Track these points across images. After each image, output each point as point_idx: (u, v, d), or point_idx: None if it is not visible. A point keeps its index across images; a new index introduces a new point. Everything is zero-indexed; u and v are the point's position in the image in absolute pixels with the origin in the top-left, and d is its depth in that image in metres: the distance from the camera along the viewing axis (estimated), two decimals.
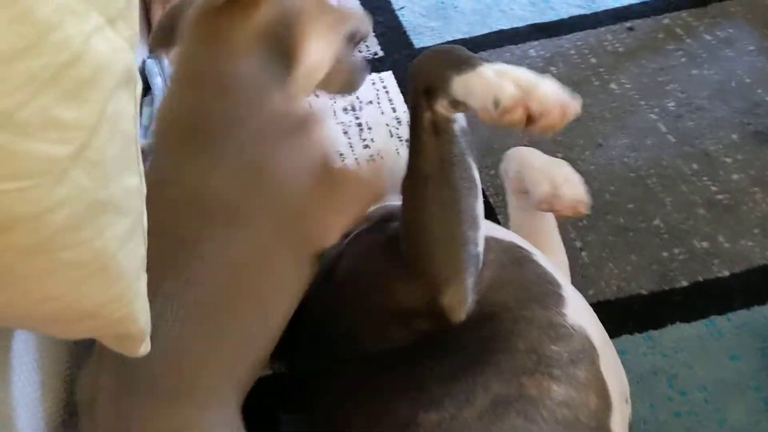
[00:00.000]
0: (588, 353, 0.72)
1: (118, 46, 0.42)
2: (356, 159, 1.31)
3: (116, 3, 0.41)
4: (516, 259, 0.82)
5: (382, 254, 0.78)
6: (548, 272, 0.82)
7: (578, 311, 0.78)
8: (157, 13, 1.46)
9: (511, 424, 0.64)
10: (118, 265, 0.46)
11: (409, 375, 0.71)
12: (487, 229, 0.77)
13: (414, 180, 0.73)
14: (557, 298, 0.78)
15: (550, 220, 1.02)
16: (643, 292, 1.05)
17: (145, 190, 0.51)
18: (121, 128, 0.44)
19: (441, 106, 0.69)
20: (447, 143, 0.71)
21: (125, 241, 0.46)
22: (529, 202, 0.89)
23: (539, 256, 0.83)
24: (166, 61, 1.32)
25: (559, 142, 1.30)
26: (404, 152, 1.29)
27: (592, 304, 1.02)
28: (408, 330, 0.73)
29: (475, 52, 1.46)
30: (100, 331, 0.51)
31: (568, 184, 0.83)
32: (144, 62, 1.33)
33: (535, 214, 0.99)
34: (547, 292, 0.78)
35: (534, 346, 0.70)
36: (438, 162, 0.71)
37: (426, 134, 0.71)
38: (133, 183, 0.48)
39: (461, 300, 0.71)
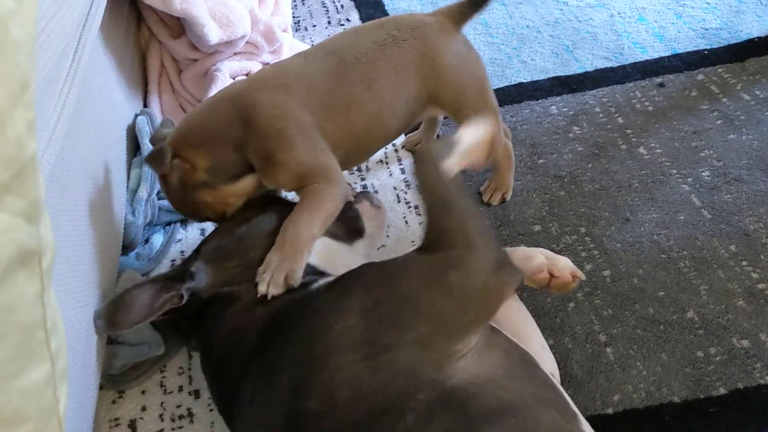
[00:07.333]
0: None
1: (4, 226, 0.32)
2: None
3: None
4: (523, 360, 0.76)
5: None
6: (555, 383, 0.76)
7: None
8: (154, 63, 1.38)
9: None
10: None
11: None
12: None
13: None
14: (571, 411, 0.72)
15: (530, 319, 0.95)
16: (676, 399, 0.93)
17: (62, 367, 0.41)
18: (15, 321, 0.34)
19: None
20: None
21: None
22: (526, 275, 0.89)
23: (541, 364, 0.78)
24: (158, 119, 1.23)
25: (582, 215, 1.19)
26: (412, 219, 1.20)
27: (618, 413, 0.93)
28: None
29: None
30: None
31: (558, 257, 0.90)
32: (136, 118, 1.24)
33: (517, 307, 0.95)
34: (557, 400, 0.72)
35: None
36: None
37: None
38: (39, 374, 0.37)
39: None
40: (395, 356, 0.67)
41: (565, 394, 0.75)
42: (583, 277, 0.90)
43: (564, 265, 0.90)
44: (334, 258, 0.91)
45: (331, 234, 0.93)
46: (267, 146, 0.92)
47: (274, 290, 0.83)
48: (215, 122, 0.94)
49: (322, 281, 0.84)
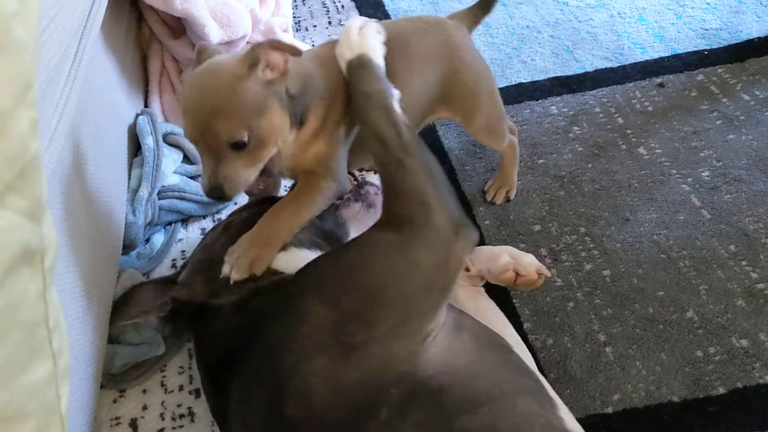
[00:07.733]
0: None
1: (7, 224, 0.32)
2: None
3: (1, 176, 0.31)
4: (495, 343, 0.76)
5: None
6: (528, 366, 0.76)
7: (572, 418, 0.70)
8: (155, 63, 1.38)
9: None
10: None
11: None
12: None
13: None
14: (547, 396, 0.71)
15: (502, 317, 0.95)
16: (675, 399, 0.94)
17: (64, 363, 0.41)
18: (17, 319, 0.34)
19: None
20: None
21: None
22: (492, 274, 0.92)
23: (517, 349, 0.78)
24: (159, 118, 1.23)
25: (582, 215, 1.19)
26: None
27: (617, 413, 0.93)
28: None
29: None
30: None
31: (523, 254, 0.92)
32: (136, 118, 1.24)
33: (488, 307, 0.95)
34: (533, 385, 0.71)
35: None
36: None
37: None
38: (41, 372, 0.38)
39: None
40: (368, 352, 0.66)
41: (542, 378, 0.75)
42: (549, 274, 0.90)
43: (528, 263, 0.90)
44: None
45: (305, 243, 0.90)
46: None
47: (236, 275, 0.82)
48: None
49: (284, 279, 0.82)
